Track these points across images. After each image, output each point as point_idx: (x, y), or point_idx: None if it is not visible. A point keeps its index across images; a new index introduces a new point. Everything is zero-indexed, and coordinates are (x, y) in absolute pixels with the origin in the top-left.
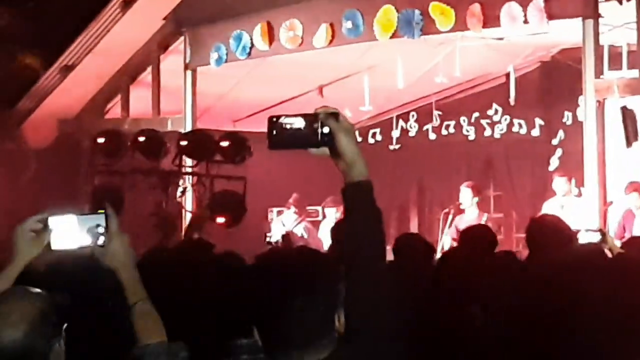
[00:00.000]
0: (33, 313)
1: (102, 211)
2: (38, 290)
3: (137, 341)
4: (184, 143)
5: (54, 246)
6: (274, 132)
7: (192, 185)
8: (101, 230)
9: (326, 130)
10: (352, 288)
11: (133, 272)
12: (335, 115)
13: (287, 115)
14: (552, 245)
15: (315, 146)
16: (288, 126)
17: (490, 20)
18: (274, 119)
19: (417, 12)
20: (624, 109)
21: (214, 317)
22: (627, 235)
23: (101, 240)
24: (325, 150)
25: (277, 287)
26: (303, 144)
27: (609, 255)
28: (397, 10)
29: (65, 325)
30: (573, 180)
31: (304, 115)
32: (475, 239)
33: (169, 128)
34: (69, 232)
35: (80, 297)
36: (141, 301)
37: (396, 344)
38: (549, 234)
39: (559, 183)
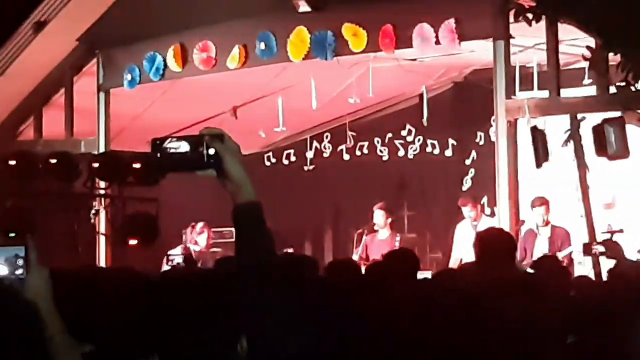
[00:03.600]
0: None
1: (16, 241)
2: None
3: None
4: (95, 165)
5: None
6: (159, 155)
7: (105, 208)
8: (20, 262)
9: (212, 152)
10: (249, 310)
11: (52, 305)
12: (220, 136)
13: (171, 139)
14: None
15: (202, 169)
16: (173, 150)
17: (403, 41)
18: (158, 142)
19: (329, 33)
20: (534, 130)
21: (118, 341)
22: (528, 256)
23: (19, 271)
24: (212, 172)
25: (175, 312)
26: (189, 167)
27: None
28: (310, 32)
29: None
30: (485, 199)
31: (188, 138)
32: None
33: (82, 150)
34: None
35: None
36: (59, 333)
37: None
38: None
39: (466, 211)
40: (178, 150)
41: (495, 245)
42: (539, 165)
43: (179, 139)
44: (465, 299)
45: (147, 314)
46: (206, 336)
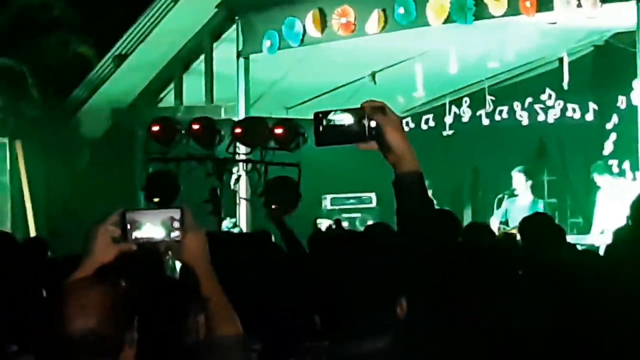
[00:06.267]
0: (105, 302)
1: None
2: (110, 279)
3: (213, 333)
4: (238, 130)
5: (130, 239)
6: (321, 128)
7: (247, 173)
8: (176, 224)
9: (373, 124)
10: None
11: (209, 267)
12: (382, 109)
13: (333, 111)
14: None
15: (363, 141)
16: (335, 122)
17: (544, 4)
18: (320, 115)
19: None
20: None
21: (281, 306)
22: None
23: (175, 234)
24: (373, 144)
25: (337, 273)
26: (351, 139)
27: None
28: None
29: (137, 317)
30: (627, 164)
31: (350, 110)
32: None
33: (222, 116)
34: (144, 227)
35: (150, 289)
36: (217, 295)
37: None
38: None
39: (598, 179)
40: (341, 123)
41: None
42: None
43: (342, 111)
44: None
45: (312, 276)
46: (365, 297)
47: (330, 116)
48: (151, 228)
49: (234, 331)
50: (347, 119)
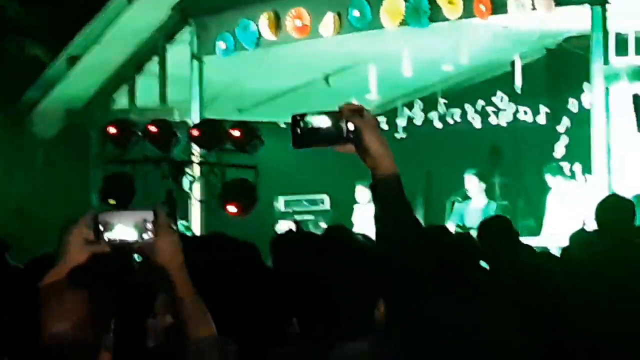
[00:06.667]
0: (81, 306)
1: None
2: (84, 282)
3: (187, 336)
4: (195, 133)
5: (102, 241)
6: (298, 131)
7: (204, 175)
8: (149, 226)
9: (351, 127)
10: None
11: (182, 269)
12: (359, 111)
13: (311, 114)
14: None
15: (341, 143)
16: (312, 125)
17: (498, 7)
18: (298, 118)
19: (425, 0)
20: (635, 96)
21: (254, 307)
22: None
23: (148, 236)
24: (350, 147)
25: (316, 275)
26: (328, 142)
27: None
28: None
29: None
30: (578, 167)
31: (328, 113)
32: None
33: (176, 118)
34: (116, 228)
35: (126, 292)
36: (190, 296)
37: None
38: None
39: (551, 180)
40: (318, 125)
41: (616, 214)
42: None
43: (319, 114)
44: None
45: (285, 278)
46: (343, 301)
47: (308, 118)
48: (124, 229)
49: (209, 333)
50: (324, 122)
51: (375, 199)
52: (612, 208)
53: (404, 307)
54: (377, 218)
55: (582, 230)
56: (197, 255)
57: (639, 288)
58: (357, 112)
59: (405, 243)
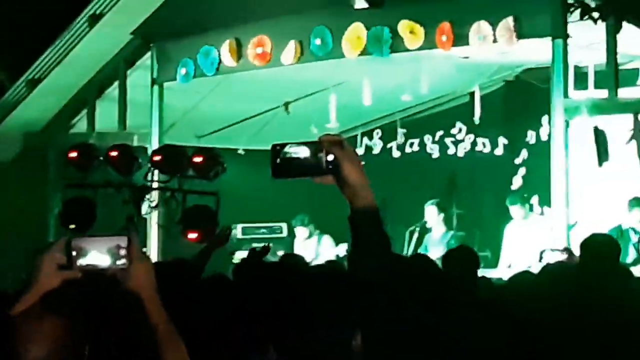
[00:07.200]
0: (56, 332)
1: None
2: (59, 308)
3: None
4: (157, 158)
5: (75, 266)
6: (278, 160)
7: (164, 200)
8: (122, 252)
9: (330, 158)
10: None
11: (155, 295)
12: (339, 143)
13: (290, 144)
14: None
15: (320, 174)
16: (292, 155)
17: (460, 38)
18: (278, 148)
19: (386, 29)
20: (596, 129)
21: (231, 334)
22: None
23: (121, 262)
24: (329, 178)
25: (294, 305)
26: (308, 173)
27: None
28: (367, 28)
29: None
30: (536, 199)
31: (308, 143)
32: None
33: (135, 143)
34: (90, 254)
35: (100, 318)
36: (164, 323)
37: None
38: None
39: (514, 211)
40: (298, 156)
41: (601, 251)
42: (600, 163)
43: (299, 144)
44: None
45: (264, 308)
46: (322, 332)
47: (287, 149)
48: (97, 255)
49: (181, 358)
50: (303, 152)
51: (353, 230)
52: (598, 244)
53: (381, 333)
54: (354, 249)
55: (527, 272)
56: (169, 282)
57: (613, 319)
58: (336, 143)
59: (381, 272)
